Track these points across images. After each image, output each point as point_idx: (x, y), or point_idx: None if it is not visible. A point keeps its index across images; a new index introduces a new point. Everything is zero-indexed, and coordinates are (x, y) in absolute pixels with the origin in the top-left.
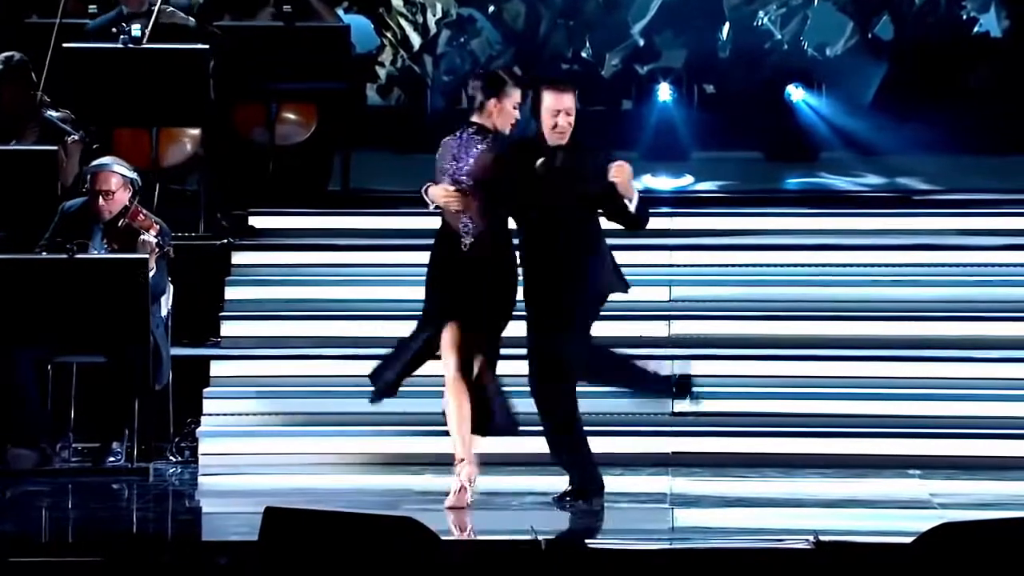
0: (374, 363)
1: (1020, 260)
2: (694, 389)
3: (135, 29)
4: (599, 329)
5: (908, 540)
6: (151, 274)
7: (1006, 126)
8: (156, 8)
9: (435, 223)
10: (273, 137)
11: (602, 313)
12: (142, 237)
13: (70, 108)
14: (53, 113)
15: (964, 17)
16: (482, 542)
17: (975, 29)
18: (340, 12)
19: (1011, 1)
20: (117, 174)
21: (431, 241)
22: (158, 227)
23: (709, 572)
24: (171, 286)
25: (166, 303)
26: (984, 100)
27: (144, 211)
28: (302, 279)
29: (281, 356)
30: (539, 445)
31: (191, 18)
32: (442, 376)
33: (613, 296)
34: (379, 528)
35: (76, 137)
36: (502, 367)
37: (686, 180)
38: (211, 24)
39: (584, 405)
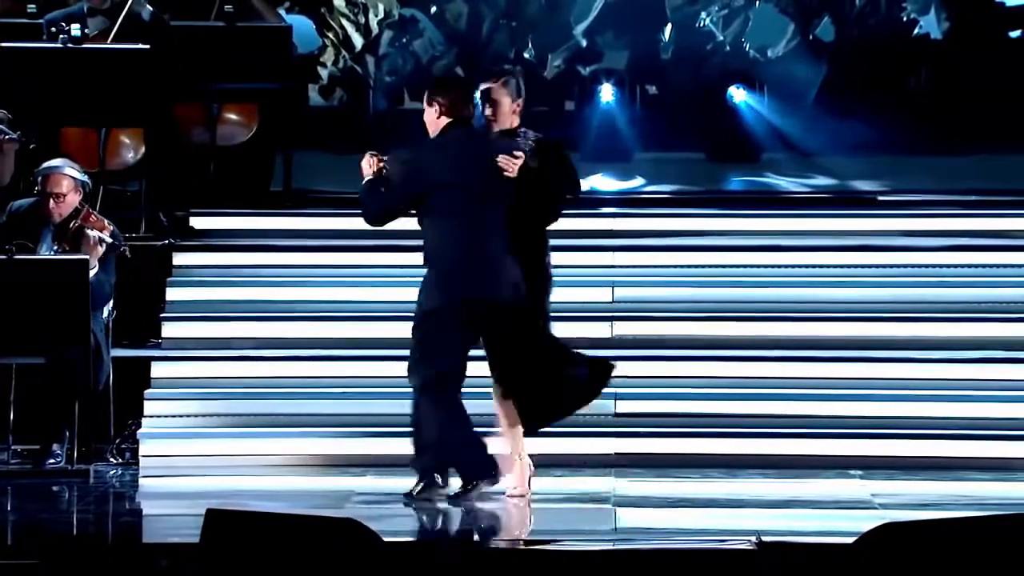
0: (313, 364)
1: (960, 261)
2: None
3: (75, 29)
4: None
5: (850, 540)
6: (93, 272)
7: (946, 127)
8: (128, 4)
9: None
10: (214, 137)
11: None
12: (89, 234)
13: (6, 107)
14: None
15: (904, 19)
16: (423, 543)
17: (915, 31)
18: (282, 12)
19: (951, 3)
20: (69, 176)
21: (373, 242)
22: (110, 228)
23: (652, 573)
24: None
25: (107, 304)
26: (924, 101)
27: (95, 214)
28: (243, 280)
29: (222, 357)
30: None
31: (148, 7)
32: (381, 377)
33: (556, 296)
34: (321, 529)
35: (12, 136)
36: None
37: (629, 181)
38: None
39: None
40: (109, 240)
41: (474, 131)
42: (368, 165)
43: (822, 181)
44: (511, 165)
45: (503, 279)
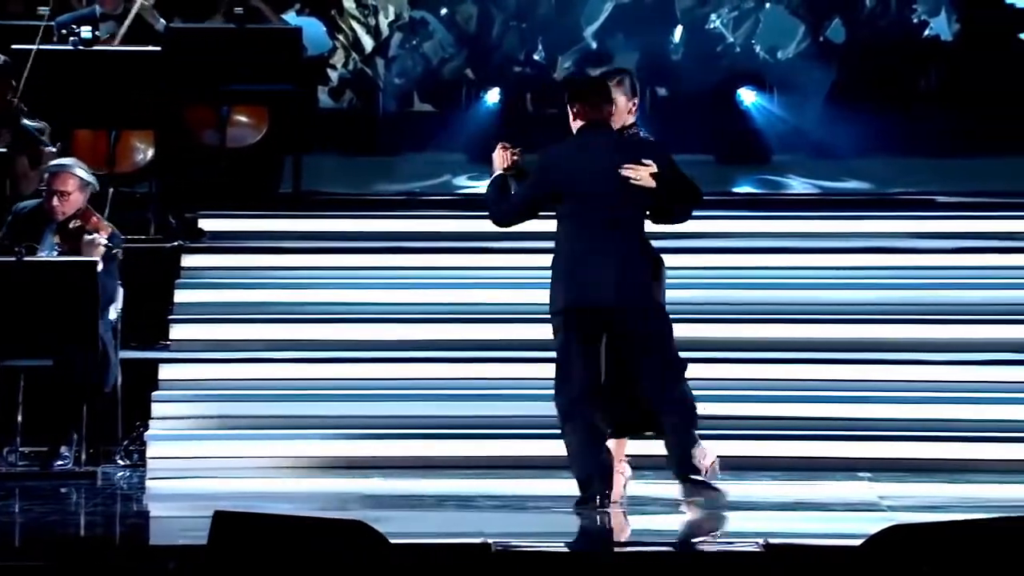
0: (322, 366)
1: (972, 263)
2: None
3: (85, 31)
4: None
5: (857, 542)
6: (98, 273)
7: (956, 129)
8: (135, 7)
9: (382, 226)
10: (224, 139)
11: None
12: (87, 236)
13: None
14: (30, 123)
15: (915, 20)
16: (432, 545)
17: (925, 32)
18: (292, 14)
19: (961, 4)
20: (76, 176)
21: (383, 244)
22: (109, 230)
23: (659, 575)
24: (121, 289)
25: (115, 306)
26: (934, 103)
27: (97, 215)
28: (252, 282)
29: (231, 359)
30: (494, 449)
31: (162, 19)
32: (389, 379)
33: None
34: (329, 532)
35: (53, 149)
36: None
37: None
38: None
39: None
40: (104, 242)
41: (610, 133)
42: (501, 159)
43: (832, 183)
44: (638, 173)
45: (629, 282)
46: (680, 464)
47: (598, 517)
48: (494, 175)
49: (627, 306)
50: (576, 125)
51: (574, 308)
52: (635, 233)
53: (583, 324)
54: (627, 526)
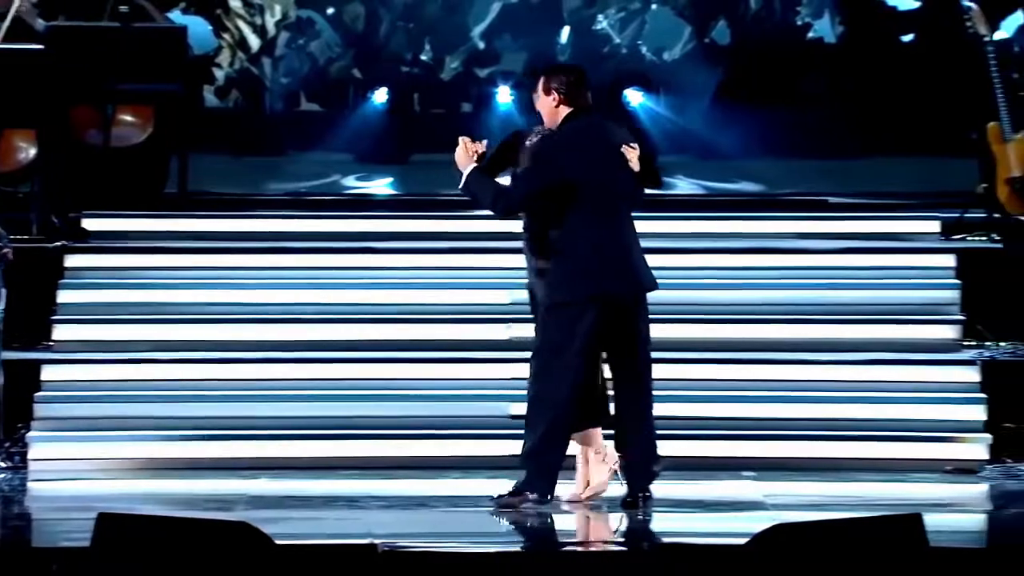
0: (207, 367)
1: (856, 263)
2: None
3: None
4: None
5: (742, 541)
6: None
7: (840, 130)
8: (12, 7)
9: (268, 226)
10: (109, 139)
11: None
12: None
13: None
14: None
15: (799, 23)
16: (318, 546)
17: (809, 35)
18: (177, 13)
19: (845, 7)
20: None
21: (267, 244)
22: None
23: (534, 574)
24: (4, 289)
25: None
26: (818, 105)
27: None
28: (137, 282)
29: (115, 360)
30: (377, 450)
31: (42, 20)
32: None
33: (453, 299)
34: (214, 533)
35: None
36: None
37: None
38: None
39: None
40: None
41: (599, 118)
42: (468, 153)
43: (718, 183)
44: (633, 155)
45: (642, 269)
46: (646, 475)
47: (496, 517)
48: (468, 171)
49: (642, 295)
50: (561, 112)
51: (600, 297)
52: (631, 218)
53: (601, 315)
54: (515, 526)
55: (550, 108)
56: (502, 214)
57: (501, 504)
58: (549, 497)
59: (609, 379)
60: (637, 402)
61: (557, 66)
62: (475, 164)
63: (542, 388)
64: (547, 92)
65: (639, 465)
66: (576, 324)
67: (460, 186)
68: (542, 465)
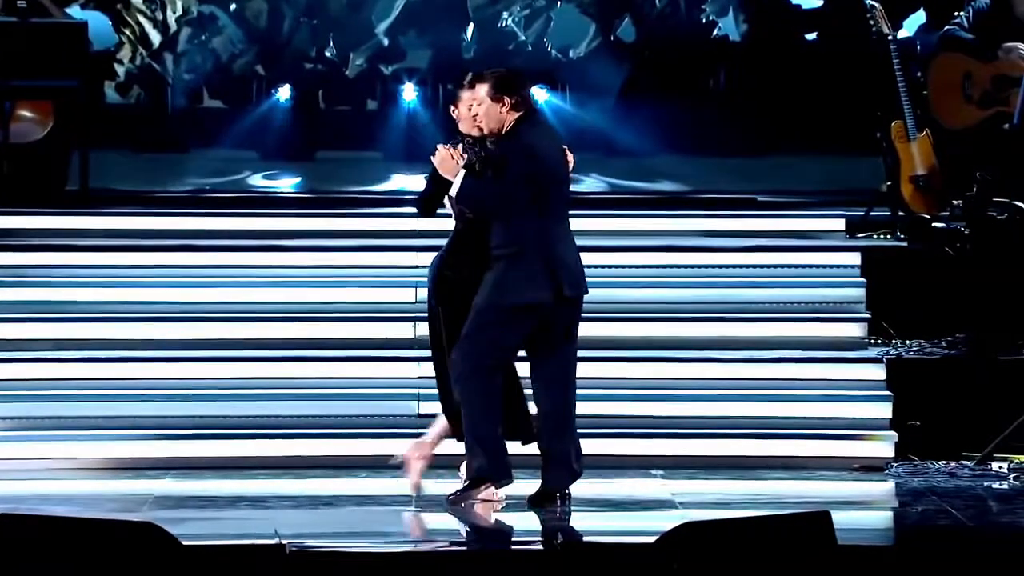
0: (109, 365)
1: (757, 261)
2: None
3: None
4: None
5: (651, 539)
6: None
7: (745, 128)
8: None
9: (171, 223)
10: (8, 135)
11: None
12: None
13: None
14: None
15: (704, 21)
16: (225, 546)
17: (714, 32)
18: (77, 8)
19: (749, 6)
20: None
21: (170, 242)
22: None
23: (444, 573)
24: None
25: None
26: (724, 102)
27: None
28: (38, 280)
29: (17, 359)
30: (285, 449)
31: None
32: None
33: (361, 297)
34: (118, 533)
35: None
36: None
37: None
38: None
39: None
40: None
41: (546, 122)
42: (451, 158)
43: (623, 181)
44: (571, 157)
45: (582, 271)
46: (570, 473)
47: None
48: (461, 178)
49: (582, 297)
50: (511, 116)
51: (556, 301)
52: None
53: (541, 319)
54: (425, 525)
55: (497, 113)
56: (497, 218)
57: (454, 500)
58: (505, 481)
59: (525, 378)
60: (565, 401)
61: (504, 72)
62: (463, 170)
63: (479, 385)
64: (496, 98)
65: (563, 463)
66: (522, 326)
67: (453, 193)
68: (490, 452)
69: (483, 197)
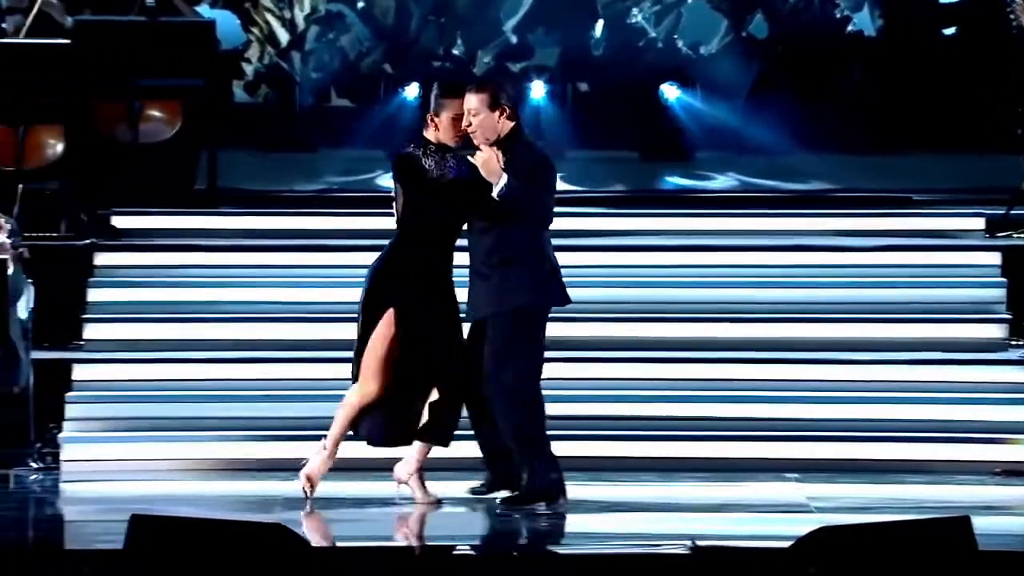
0: (238, 366)
1: (895, 261)
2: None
3: None
4: None
5: (786, 544)
6: (8, 273)
7: (880, 126)
8: (39, 2)
9: (298, 223)
10: (137, 135)
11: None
12: None
13: None
14: None
15: (838, 16)
16: (353, 549)
17: (848, 28)
18: (206, 7)
19: (884, 0)
20: None
21: (297, 242)
22: (9, 226)
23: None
24: (31, 287)
25: (26, 305)
26: (857, 99)
27: None
28: (166, 280)
29: (145, 360)
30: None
31: (68, 17)
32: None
33: None
34: (248, 535)
35: None
36: None
37: (559, 180)
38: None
39: None
40: (7, 241)
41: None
42: (500, 162)
43: (755, 179)
44: None
45: None
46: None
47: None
48: (506, 180)
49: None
50: (508, 125)
51: (559, 305)
52: None
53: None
54: (558, 527)
55: (494, 123)
56: (543, 225)
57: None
58: (561, 500)
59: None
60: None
61: (494, 80)
62: (506, 174)
63: (527, 386)
64: (494, 107)
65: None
66: (539, 330)
67: (497, 194)
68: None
69: (528, 201)
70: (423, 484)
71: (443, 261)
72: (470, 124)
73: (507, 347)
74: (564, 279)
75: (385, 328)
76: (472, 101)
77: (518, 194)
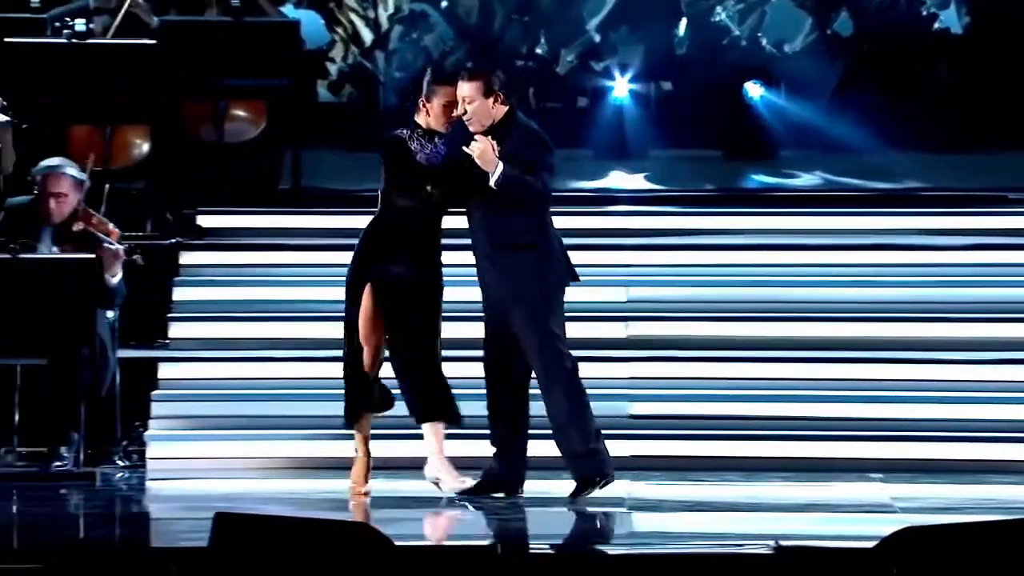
0: (324, 365)
1: (983, 260)
2: None
3: (79, 24)
4: None
5: (870, 545)
6: (117, 280)
7: (966, 123)
8: (126, 3)
9: None
10: (222, 135)
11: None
12: (106, 246)
13: (8, 102)
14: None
15: (924, 13)
16: (437, 547)
17: (935, 25)
18: (290, 7)
19: None
20: (69, 176)
21: None
22: (117, 232)
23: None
24: (123, 291)
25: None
26: (944, 97)
27: (96, 214)
28: (251, 279)
29: (231, 358)
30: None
31: (155, 17)
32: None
33: (569, 296)
34: (332, 534)
35: (4, 119)
36: None
37: (643, 179)
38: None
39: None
40: (120, 247)
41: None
42: (494, 149)
43: (839, 178)
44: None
45: None
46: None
47: (601, 516)
48: (503, 168)
49: None
50: (502, 110)
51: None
52: None
53: None
54: (635, 526)
55: (488, 110)
56: (540, 207)
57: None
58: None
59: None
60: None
61: (485, 68)
62: (501, 162)
63: (570, 356)
64: (488, 94)
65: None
66: (562, 306)
67: (494, 183)
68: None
69: (523, 187)
70: (452, 470)
71: (424, 239)
72: (465, 112)
73: (546, 332)
74: (649, 278)
75: (367, 303)
76: (466, 89)
77: (516, 181)
